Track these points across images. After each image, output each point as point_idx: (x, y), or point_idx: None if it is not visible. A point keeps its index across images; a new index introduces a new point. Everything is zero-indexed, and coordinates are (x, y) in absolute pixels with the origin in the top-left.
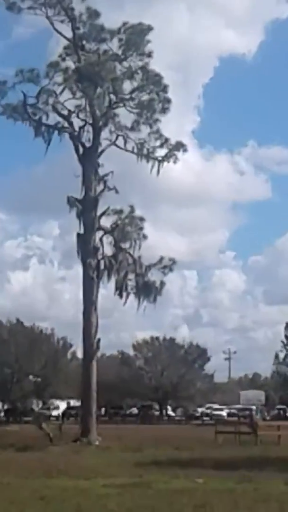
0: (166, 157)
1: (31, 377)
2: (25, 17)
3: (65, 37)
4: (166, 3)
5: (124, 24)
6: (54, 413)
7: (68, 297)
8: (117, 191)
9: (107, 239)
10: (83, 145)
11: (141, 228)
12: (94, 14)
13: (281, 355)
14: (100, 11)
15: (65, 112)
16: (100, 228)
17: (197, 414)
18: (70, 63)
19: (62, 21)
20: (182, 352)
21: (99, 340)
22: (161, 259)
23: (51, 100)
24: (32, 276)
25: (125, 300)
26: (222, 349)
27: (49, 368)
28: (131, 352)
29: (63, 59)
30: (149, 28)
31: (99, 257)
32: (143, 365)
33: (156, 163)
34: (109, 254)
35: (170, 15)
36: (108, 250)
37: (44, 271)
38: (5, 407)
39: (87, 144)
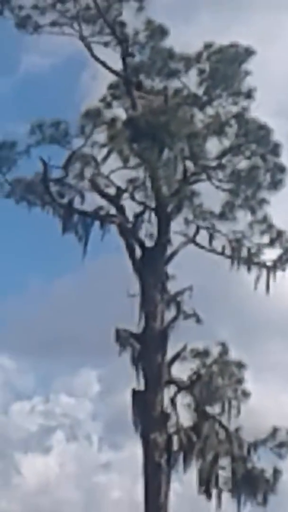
0: (279, 262)
1: None
2: (42, 39)
3: (110, 69)
4: (262, 12)
5: (208, 46)
6: None
7: (117, 497)
8: (199, 320)
9: (184, 400)
10: (141, 245)
11: (240, 381)
12: (158, 31)
13: None
14: (167, 28)
15: (111, 191)
16: (171, 381)
17: None
18: (119, 111)
19: (105, 44)
20: None
21: None
22: (275, 431)
23: (88, 172)
24: (57, 463)
25: (217, 501)
26: None
27: None
28: None
29: (108, 105)
30: (248, 52)
31: (171, 429)
32: None
33: (264, 271)
34: (186, 425)
35: (271, 31)
36: (186, 417)
37: (76, 454)
38: None
39: (149, 243)
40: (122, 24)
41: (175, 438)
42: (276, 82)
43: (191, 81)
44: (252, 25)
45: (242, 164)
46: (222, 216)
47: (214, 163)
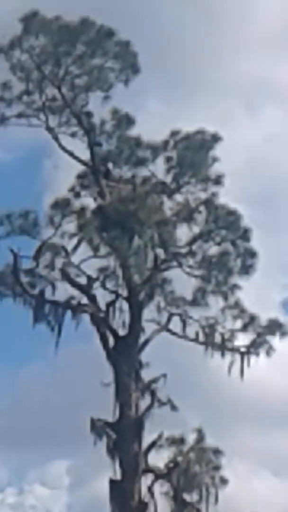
0: (253, 347)
1: None
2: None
3: (78, 158)
4: (220, 101)
5: (174, 133)
6: None
7: None
8: (174, 407)
9: (161, 488)
10: (114, 333)
11: (217, 468)
12: (125, 120)
13: None
14: (133, 117)
15: (82, 280)
16: (148, 470)
17: None
18: (88, 201)
19: (72, 134)
20: None
21: None
22: None
23: (58, 262)
24: None
25: None
26: None
27: None
28: None
29: (76, 195)
30: (215, 138)
31: None
32: None
33: (237, 357)
34: None
35: (230, 119)
36: (164, 506)
37: None
38: None
39: (121, 332)
40: (89, 114)
41: None
42: (238, 168)
43: (159, 169)
44: (202, 111)
45: (213, 250)
46: (194, 302)
47: (184, 250)
